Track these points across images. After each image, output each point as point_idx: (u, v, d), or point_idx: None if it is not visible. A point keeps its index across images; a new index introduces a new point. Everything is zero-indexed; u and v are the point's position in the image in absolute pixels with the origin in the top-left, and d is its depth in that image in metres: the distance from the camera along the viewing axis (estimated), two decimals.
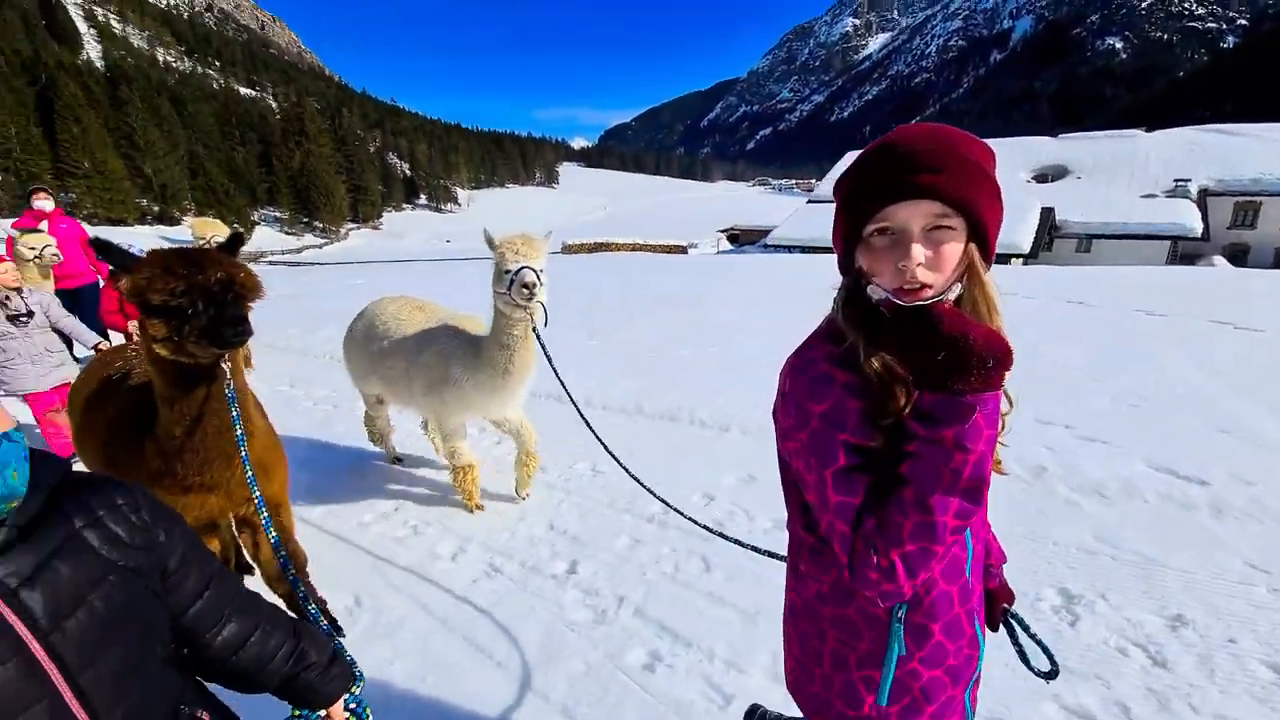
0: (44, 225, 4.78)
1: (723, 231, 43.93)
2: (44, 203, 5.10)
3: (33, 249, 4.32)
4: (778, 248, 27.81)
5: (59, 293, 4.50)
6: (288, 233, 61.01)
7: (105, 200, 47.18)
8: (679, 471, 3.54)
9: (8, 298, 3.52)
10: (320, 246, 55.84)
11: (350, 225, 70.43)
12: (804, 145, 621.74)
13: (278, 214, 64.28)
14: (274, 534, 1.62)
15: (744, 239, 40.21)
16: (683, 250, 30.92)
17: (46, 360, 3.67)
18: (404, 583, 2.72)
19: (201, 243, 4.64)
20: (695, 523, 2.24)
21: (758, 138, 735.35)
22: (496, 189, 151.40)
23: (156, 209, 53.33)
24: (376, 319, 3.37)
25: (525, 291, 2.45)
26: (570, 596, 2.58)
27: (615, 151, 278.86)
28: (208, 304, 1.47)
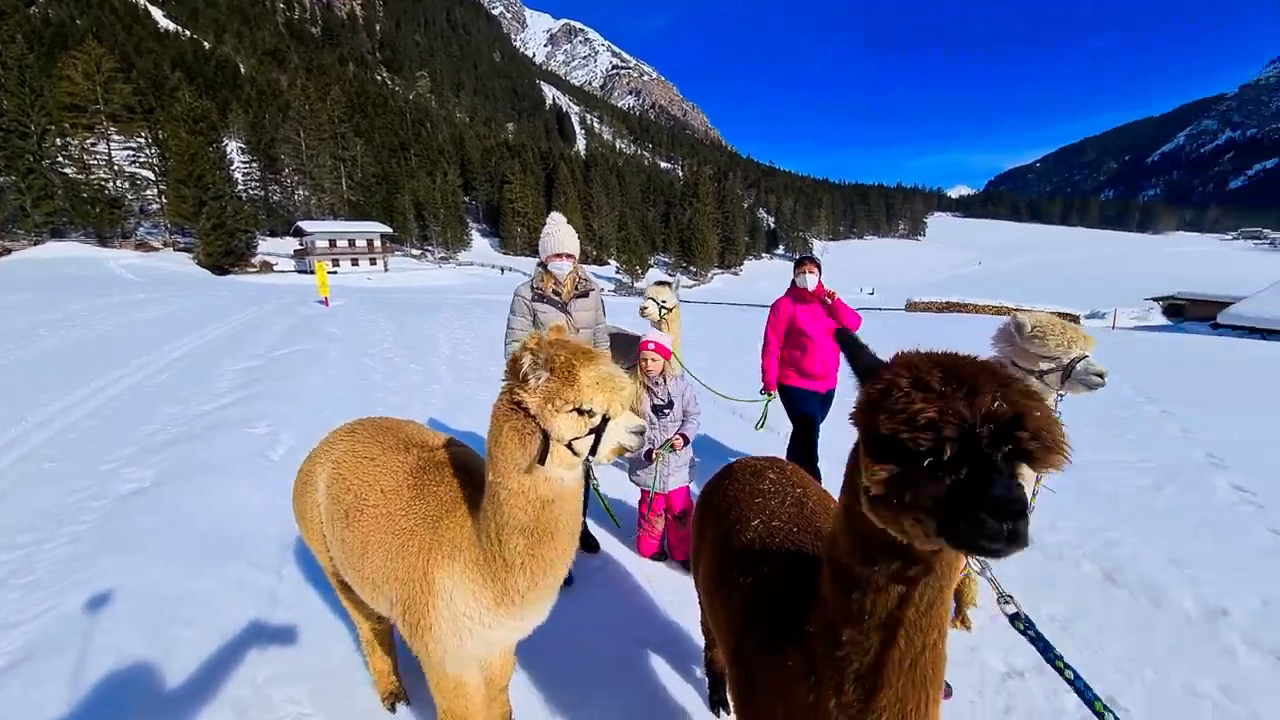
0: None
1: (1158, 300, 33.01)
2: (810, 278, 3.79)
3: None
4: (1234, 329, 19.78)
5: None
6: (669, 274, 75.36)
7: None
8: None
9: (657, 384, 3.23)
10: (690, 287, 66.60)
11: (716, 270, 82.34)
12: None
13: (666, 259, 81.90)
14: None
15: (1193, 313, 29.32)
16: (1073, 320, 24.63)
17: (673, 460, 3.21)
18: None
19: (648, 306, 4.12)
20: None
21: (1250, 174, 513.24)
22: (855, 240, 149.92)
23: (594, 253, 74.83)
24: None
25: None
26: None
27: (1007, 199, 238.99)
28: (965, 459, 0.78)
